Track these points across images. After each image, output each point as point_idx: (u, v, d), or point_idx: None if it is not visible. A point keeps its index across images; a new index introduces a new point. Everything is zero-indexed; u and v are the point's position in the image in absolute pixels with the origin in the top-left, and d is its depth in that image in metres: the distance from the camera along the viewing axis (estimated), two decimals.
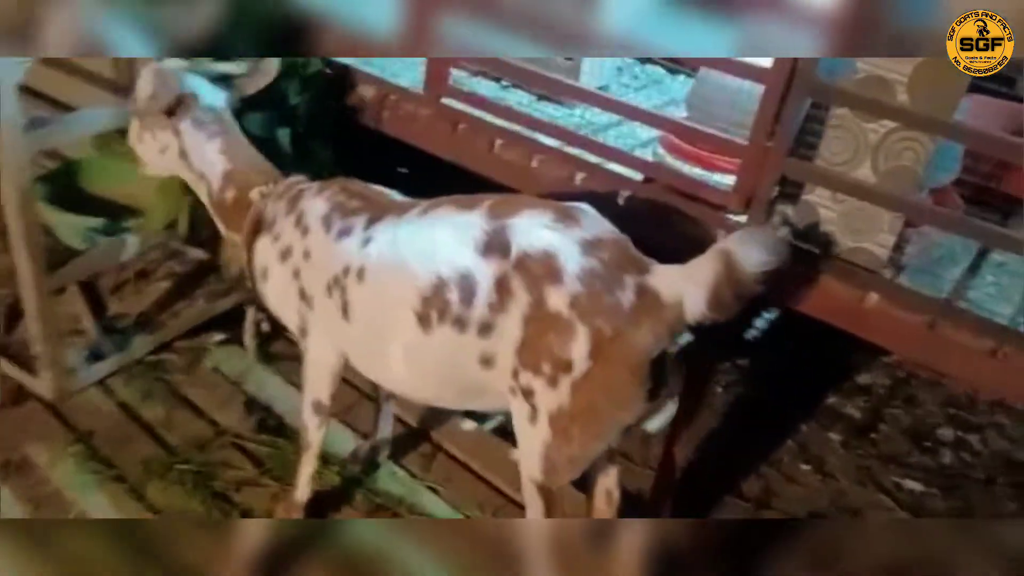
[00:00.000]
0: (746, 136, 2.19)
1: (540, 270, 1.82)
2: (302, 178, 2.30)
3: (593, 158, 2.53)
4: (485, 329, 1.89)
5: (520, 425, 1.98)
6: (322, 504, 2.58)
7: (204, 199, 2.39)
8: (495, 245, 1.87)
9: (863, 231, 2.05)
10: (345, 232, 2.10)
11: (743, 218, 2.21)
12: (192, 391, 2.99)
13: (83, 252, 2.79)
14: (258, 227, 2.28)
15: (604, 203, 2.23)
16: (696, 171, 2.36)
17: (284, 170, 2.38)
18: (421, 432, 2.91)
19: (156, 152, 2.38)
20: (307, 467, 2.42)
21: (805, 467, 3.24)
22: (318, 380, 2.30)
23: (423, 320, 1.93)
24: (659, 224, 2.32)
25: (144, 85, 2.28)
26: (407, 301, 1.95)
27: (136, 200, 3.05)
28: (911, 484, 3.22)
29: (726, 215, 2.26)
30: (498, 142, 2.65)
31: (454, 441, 2.90)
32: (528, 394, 1.90)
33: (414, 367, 2.03)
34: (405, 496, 2.68)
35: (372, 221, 2.08)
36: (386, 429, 2.74)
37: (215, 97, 2.35)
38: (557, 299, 1.81)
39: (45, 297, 2.63)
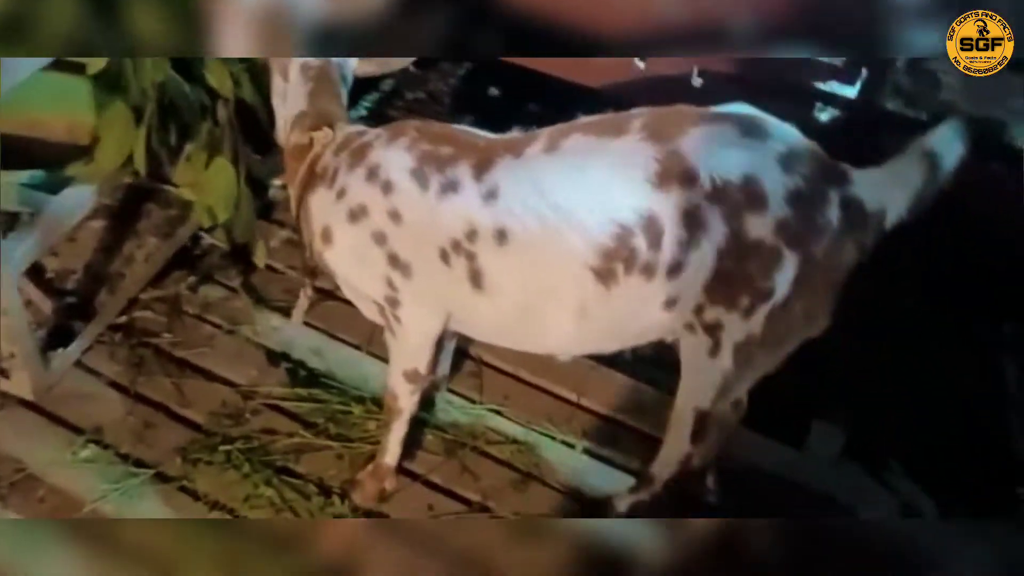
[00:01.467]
0: None
1: (741, 197, 1.62)
2: (360, 127, 1.96)
3: None
4: (675, 270, 1.69)
5: (694, 359, 1.85)
6: None
7: None
8: (675, 174, 1.64)
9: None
10: (450, 187, 1.76)
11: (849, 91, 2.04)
12: (188, 352, 2.57)
13: (29, 218, 2.24)
14: (312, 178, 1.90)
15: (678, 89, 1.99)
16: None
17: None
18: (459, 350, 2.66)
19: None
20: (398, 432, 2.18)
21: None
22: (417, 350, 2.03)
23: (604, 276, 1.70)
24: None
25: None
26: (580, 259, 1.69)
27: (66, 135, 2.47)
28: None
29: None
30: None
31: (494, 352, 2.68)
32: (713, 329, 1.76)
33: (587, 325, 1.81)
34: (474, 424, 2.49)
35: (480, 169, 1.76)
36: (446, 366, 2.49)
37: None
38: (760, 226, 1.64)
39: (12, 288, 2.11)
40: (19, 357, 2.22)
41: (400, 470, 2.28)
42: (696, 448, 2.09)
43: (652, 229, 1.66)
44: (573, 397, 2.60)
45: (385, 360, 2.57)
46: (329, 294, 2.67)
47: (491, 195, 1.74)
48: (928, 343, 2.81)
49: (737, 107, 1.74)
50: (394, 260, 1.86)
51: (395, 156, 1.84)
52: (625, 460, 2.44)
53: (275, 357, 2.59)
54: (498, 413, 2.53)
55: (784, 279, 1.67)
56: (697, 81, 2.16)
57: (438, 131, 1.88)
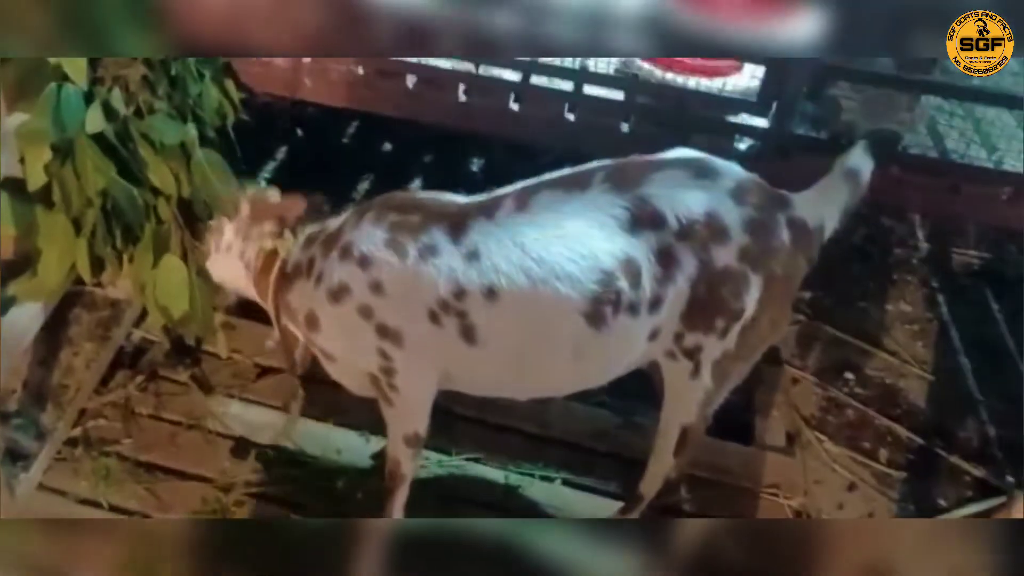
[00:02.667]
0: None
1: (706, 233, 1.81)
2: (319, 224, 2.07)
3: (560, 83, 2.40)
4: (655, 305, 1.85)
5: (677, 381, 2.02)
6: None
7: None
8: (644, 219, 1.81)
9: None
10: (429, 251, 1.85)
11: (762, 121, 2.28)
12: (151, 454, 2.52)
13: None
14: (285, 280, 2.02)
15: (604, 136, 2.15)
16: (697, 80, 2.35)
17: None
18: None
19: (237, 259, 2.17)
20: (401, 497, 2.23)
21: None
22: (416, 413, 2.08)
23: (594, 319, 1.83)
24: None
25: None
26: (572, 307, 1.82)
27: None
28: None
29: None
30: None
31: (459, 402, 2.73)
32: (692, 353, 1.94)
33: (582, 365, 1.94)
34: (456, 476, 2.55)
35: (456, 232, 1.86)
36: None
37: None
38: (726, 256, 1.83)
39: None
40: None
41: None
42: (676, 461, 2.26)
43: (631, 270, 1.81)
44: (539, 432, 2.71)
45: (352, 428, 2.65)
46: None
47: (472, 256, 1.84)
48: None
49: (680, 152, 1.93)
50: (383, 330, 1.92)
51: (366, 231, 1.91)
52: (601, 484, 2.58)
53: (244, 444, 2.57)
54: (476, 461, 2.61)
55: (751, 298, 1.87)
56: (626, 127, 2.35)
57: (406, 200, 1.97)
